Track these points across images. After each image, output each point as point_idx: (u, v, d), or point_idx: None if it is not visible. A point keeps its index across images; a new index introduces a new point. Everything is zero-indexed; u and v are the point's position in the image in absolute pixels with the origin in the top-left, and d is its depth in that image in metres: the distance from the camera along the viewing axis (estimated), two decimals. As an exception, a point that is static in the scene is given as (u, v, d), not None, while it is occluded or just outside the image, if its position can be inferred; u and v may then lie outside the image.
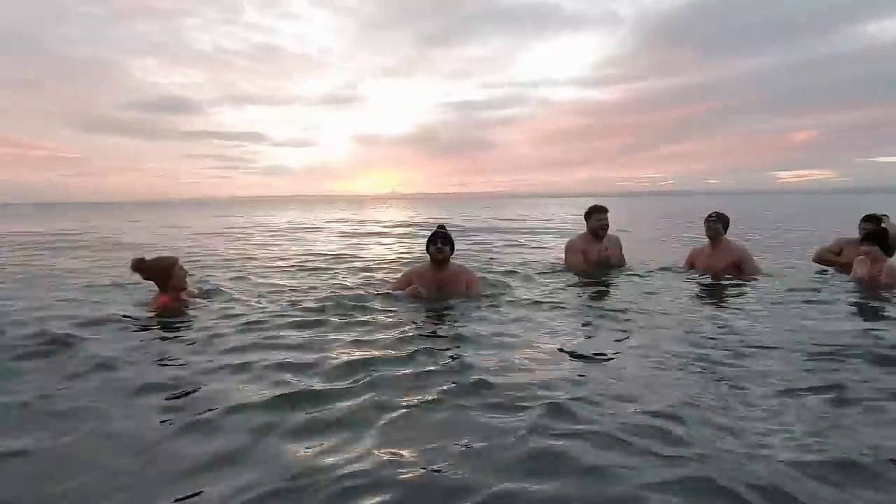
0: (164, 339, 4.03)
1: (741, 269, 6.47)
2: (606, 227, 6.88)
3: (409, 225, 22.06)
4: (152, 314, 4.80)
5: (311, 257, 9.70)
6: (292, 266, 8.35)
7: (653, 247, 9.95)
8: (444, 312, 4.80)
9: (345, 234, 16.34)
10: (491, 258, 8.95)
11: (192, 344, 3.88)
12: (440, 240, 5.30)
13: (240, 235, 16.39)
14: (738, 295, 5.49)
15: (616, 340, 3.87)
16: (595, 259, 6.85)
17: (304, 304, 5.19)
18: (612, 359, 3.45)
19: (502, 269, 7.40)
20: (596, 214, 6.90)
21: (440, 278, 5.38)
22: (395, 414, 2.57)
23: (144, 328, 4.38)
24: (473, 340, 3.83)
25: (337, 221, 25.57)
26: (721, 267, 6.52)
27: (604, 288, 5.97)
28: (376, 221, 26.10)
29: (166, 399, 2.86)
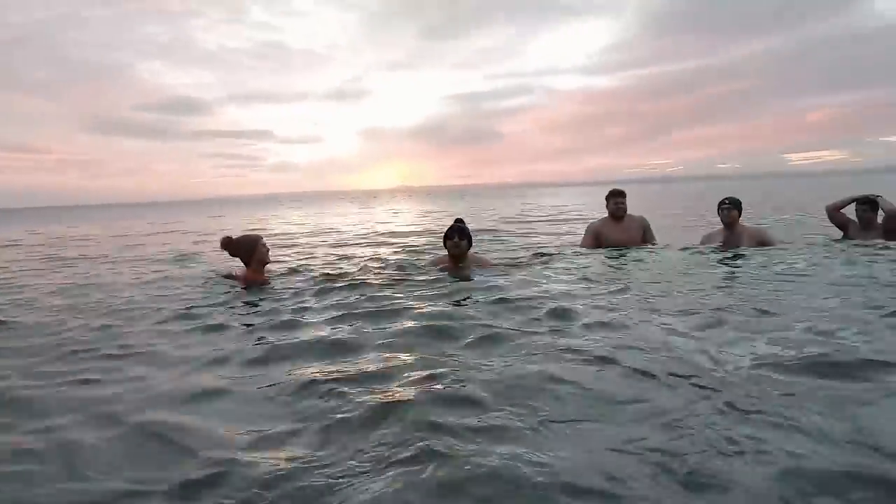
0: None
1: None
2: (624, 209, 7.15)
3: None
4: (242, 287, 5.59)
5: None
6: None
7: (667, 232, 10.12)
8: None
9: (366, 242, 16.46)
10: (508, 246, 9.22)
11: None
12: (456, 234, 5.62)
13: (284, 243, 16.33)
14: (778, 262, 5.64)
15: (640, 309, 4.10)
16: (614, 240, 7.14)
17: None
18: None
19: (522, 252, 7.84)
20: (613, 198, 7.16)
21: (459, 272, 5.77)
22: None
23: (242, 300, 5.13)
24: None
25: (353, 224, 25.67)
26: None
27: (613, 263, 6.25)
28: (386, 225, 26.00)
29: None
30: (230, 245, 5.71)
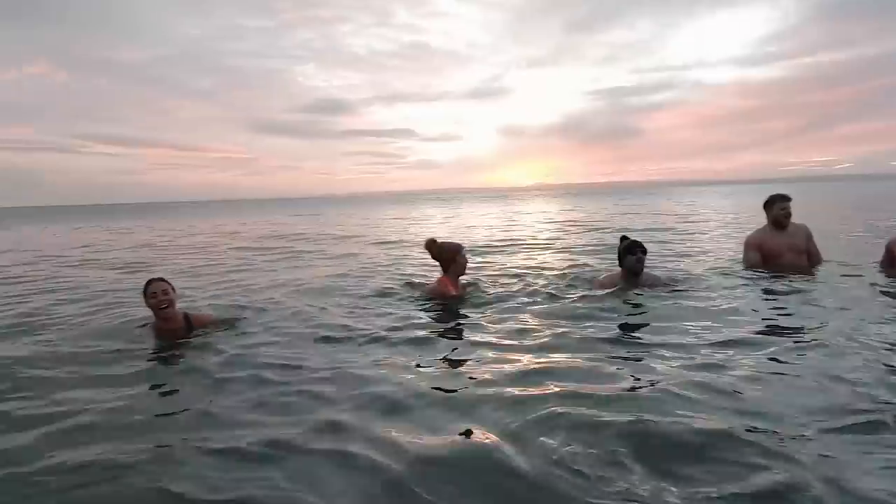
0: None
1: None
2: (789, 215, 6.30)
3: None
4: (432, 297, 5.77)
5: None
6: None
7: (840, 242, 9.13)
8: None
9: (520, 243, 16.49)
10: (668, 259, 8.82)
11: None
12: (639, 249, 5.53)
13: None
14: None
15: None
16: (777, 253, 6.31)
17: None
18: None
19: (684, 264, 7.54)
20: (779, 203, 6.36)
21: (632, 289, 5.63)
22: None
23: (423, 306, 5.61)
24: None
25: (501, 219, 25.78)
26: None
27: (787, 288, 5.47)
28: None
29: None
30: (434, 248, 5.82)
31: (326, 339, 4.53)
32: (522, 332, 4.49)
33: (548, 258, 9.21)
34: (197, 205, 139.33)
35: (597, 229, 14.42)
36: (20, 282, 8.78)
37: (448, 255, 5.77)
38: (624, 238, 5.80)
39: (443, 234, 14.64)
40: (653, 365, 3.50)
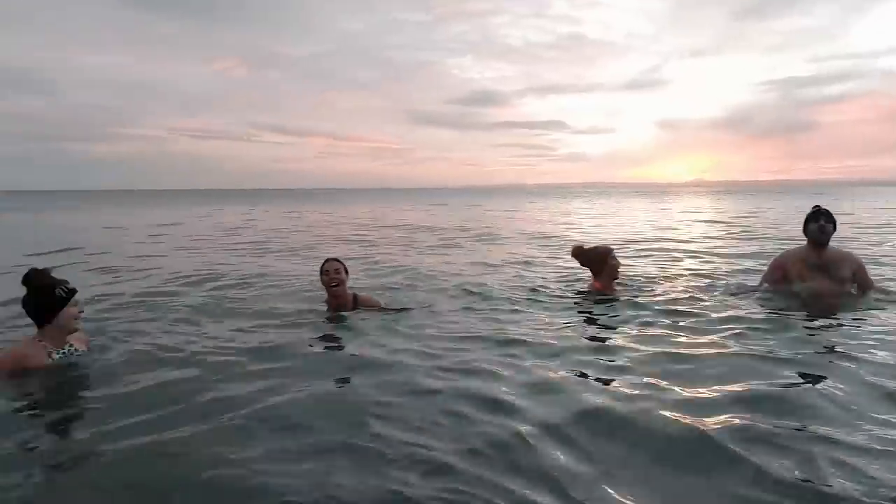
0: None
1: None
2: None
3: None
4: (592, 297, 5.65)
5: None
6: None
7: None
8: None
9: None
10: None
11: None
12: (823, 217, 5.08)
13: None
14: None
15: None
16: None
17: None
18: None
19: None
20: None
21: (820, 261, 5.17)
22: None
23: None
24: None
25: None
26: None
27: None
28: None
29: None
30: (581, 254, 5.74)
31: (477, 339, 4.46)
32: (689, 333, 4.35)
33: (708, 261, 8.77)
34: (353, 192, 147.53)
35: (761, 236, 13.22)
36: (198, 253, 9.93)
37: (598, 259, 5.67)
38: (816, 206, 5.27)
39: (596, 231, 14.38)
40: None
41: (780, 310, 4.90)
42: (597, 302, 5.49)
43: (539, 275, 7.49)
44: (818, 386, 3.19)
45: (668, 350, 3.97)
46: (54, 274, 3.84)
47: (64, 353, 3.79)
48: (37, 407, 3.24)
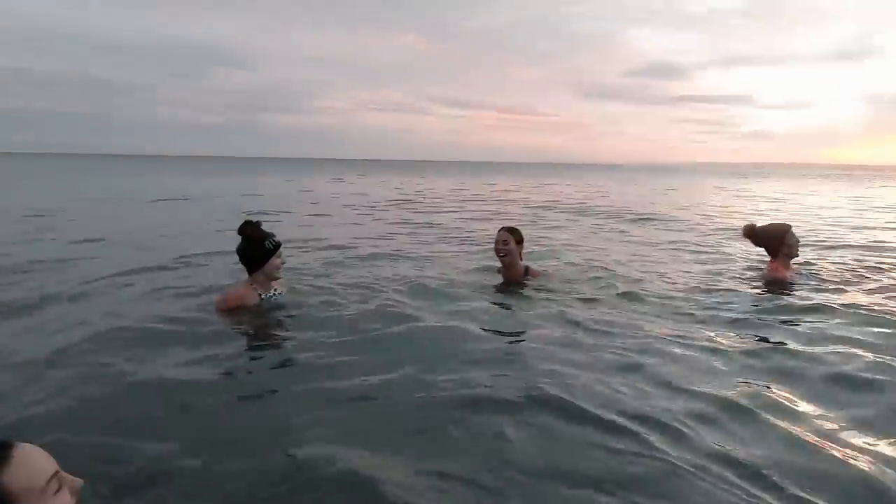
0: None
1: None
2: None
3: None
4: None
5: None
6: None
7: None
8: None
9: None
10: None
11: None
12: None
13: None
14: None
15: None
16: None
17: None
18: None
19: None
20: None
21: None
22: None
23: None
24: None
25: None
26: None
27: None
28: None
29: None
30: (754, 234, 5.51)
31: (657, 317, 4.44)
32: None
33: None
34: (524, 166, 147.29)
35: None
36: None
37: (775, 238, 5.36)
38: None
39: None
40: None
41: None
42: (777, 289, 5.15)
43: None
44: None
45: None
46: (265, 228, 4.37)
47: (271, 295, 4.42)
48: (251, 334, 4.03)
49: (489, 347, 3.74)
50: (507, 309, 4.72)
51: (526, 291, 5.15)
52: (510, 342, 3.88)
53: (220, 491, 2.16)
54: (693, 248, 8.37)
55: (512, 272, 5.36)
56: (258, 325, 4.15)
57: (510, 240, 5.22)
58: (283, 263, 4.46)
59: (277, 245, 4.31)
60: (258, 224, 4.33)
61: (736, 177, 62.83)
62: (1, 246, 7.61)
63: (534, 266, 5.59)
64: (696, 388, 3.02)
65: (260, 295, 4.37)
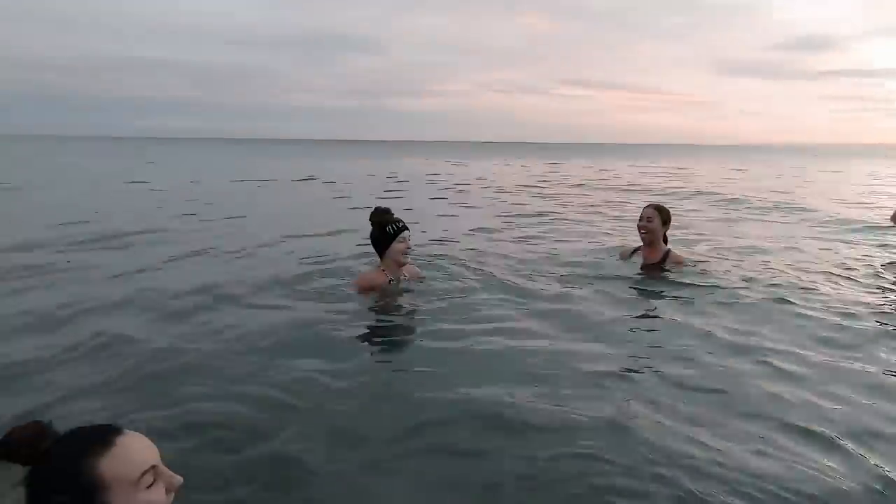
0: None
1: None
2: None
3: None
4: None
5: None
6: None
7: None
8: None
9: None
10: None
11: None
12: None
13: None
14: None
15: None
16: None
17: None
18: None
19: None
20: None
21: None
22: None
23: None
24: None
25: None
26: None
27: None
28: None
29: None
30: None
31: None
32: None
33: None
34: (654, 148, 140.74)
35: None
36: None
37: None
38: None
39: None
40: None
41: None
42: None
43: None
44: None
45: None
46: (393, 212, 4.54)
47: (397, 280, 4.63)
48: (379, 313, 4.36)
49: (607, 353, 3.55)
50: (640, 302, 4.65)
51: (660, 284, 4.92)
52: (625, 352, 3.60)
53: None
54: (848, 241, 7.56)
55: (652, 253, 5.18)
56: (384, 305, 4.47)
57: (655, 217, 5.05)
58: (408, 248, 4.52)
59: (399, 229, 4.40)
60: (385, 210, 4.47)
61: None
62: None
63: (677, 251, 5.31)
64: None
65: (389, 279, 4.62)
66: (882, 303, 4.51)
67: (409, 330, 4.09)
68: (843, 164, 38.14)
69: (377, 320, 4.24)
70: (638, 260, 5.35)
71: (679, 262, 5.19)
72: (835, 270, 5.56)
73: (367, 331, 4.02)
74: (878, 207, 11.33)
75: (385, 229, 4.42)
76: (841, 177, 24.49)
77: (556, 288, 4.94)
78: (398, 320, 4.29)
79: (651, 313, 4.32)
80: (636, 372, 3.20)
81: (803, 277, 5.25)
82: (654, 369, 3.24)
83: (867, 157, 64.55)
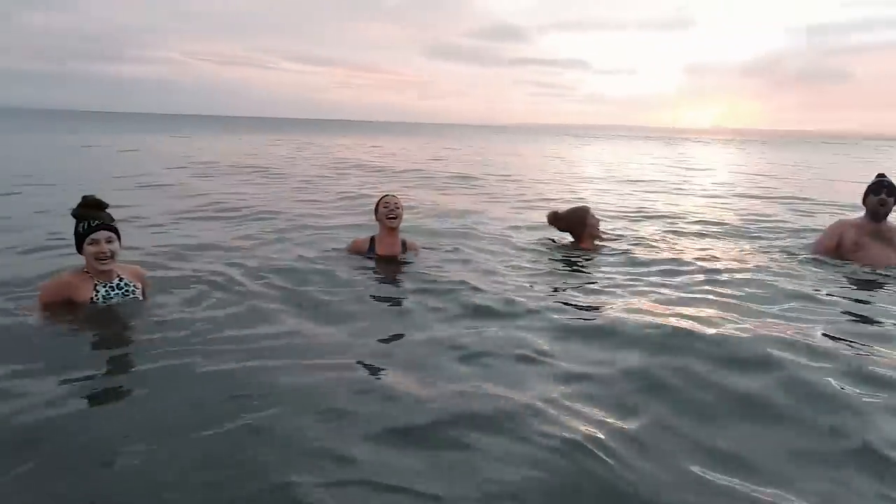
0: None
1: None
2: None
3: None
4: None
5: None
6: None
7: None
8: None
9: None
10: None
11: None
12: (885, 189, 4.85)
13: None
14: None
15: None
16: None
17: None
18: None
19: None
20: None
21: (879, 231, 4.91)
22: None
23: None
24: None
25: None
26: None
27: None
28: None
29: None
30: (558, 220, 5.63)
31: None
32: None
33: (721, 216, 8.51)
34: (374, 125, 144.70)
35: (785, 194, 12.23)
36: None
37: (577, 221, 5.48)
38: (879, 175, 5.02)
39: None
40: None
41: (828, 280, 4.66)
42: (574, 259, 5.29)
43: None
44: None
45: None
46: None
47: (112, 286, 3.54)
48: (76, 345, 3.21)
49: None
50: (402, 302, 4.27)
51: (414, 269, 4.83)
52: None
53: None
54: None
55: (394, 242, 5.04)
56: (88, 328, 3.39)
57: (400, 203, 4.95)
58: (104, 253, 3.44)
59: (91, 229, 3.41)
60: (90, 202, 3.49)
61: (572, 137, 65.62)
62: None
63: (411, 240, 5.30)
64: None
65: (95, 286, 3.51)
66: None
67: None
68: (536, 144, 43.61)
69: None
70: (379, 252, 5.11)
71: (416, 250, 5.25)
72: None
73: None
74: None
75: (77, 226, 3.46)
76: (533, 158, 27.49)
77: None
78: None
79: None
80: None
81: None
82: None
83: (556, 135, 74.72)
